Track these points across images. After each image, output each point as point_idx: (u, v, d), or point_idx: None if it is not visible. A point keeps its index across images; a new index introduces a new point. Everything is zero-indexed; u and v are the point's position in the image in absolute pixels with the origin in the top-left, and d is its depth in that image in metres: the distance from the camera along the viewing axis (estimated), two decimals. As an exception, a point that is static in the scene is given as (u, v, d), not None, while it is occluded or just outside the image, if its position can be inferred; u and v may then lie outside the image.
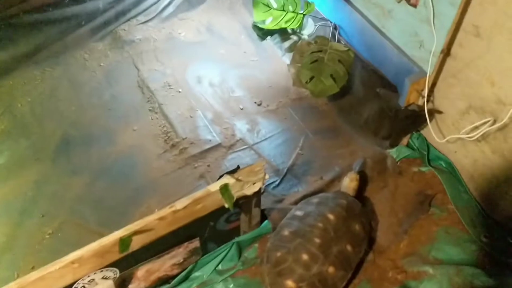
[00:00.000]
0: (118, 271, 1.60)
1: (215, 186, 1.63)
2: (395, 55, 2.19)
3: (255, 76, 2.82)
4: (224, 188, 1.63)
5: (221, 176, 1.66)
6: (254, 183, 1.73)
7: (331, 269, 1.73)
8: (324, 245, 1.76)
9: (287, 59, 2.82)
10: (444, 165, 2.31)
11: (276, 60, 2.92)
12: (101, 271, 1.55)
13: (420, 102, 2.13)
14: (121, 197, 2.18)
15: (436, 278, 1.87)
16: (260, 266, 1.89)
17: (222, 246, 1.93)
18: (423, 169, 2.33)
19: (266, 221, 2.02)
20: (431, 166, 2.30)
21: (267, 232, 2.02)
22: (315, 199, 1.97)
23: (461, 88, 1.98)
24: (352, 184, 2.09)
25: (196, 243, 1.79)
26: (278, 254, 1.77)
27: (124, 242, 1.48)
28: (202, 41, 3.02)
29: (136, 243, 1.54)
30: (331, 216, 1.85)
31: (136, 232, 1.49)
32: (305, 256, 1.73)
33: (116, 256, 1.52)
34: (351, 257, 1.82)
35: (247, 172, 1.68)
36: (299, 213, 1.90)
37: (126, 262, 1.59)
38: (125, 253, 1.53)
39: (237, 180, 1.64)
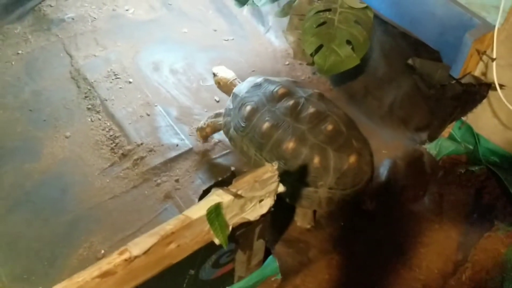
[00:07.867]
0: None
1: (199, 210, 1.13)
2: (440, 4, 1.86)
3: (231, 59, 2.58)
4: (215, 212, 1.15)
5: (206, 191, 1.20)
6: (261, 201, 1.28)
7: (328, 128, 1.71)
8: (315, 118, 1.71)
9: (272, 36, 2.64)
10: (500, 161, 2.01)
11: (258, 38, 2.71)
12: None
13: (479, 70, 1.84)
14: (48, 236, 1.85)
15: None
16: None
17: (207, 303, 1.60)
18: (473, 168, 2.04)
19: (269, 258, 1.71)
20: (484, 163, 2.02)
21: (271, 274, 1.72)
22: (248, 107, 1.82)
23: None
24: (229, 74, 2.06)
25: (166, 306, 1.37)
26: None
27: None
28: (157, 19, 2.80)
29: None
30: (281, 90, 1.79)
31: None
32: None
33: None
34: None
35: (250, 182, 1.20)
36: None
37: None
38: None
39: (236, 196, 1.16)
